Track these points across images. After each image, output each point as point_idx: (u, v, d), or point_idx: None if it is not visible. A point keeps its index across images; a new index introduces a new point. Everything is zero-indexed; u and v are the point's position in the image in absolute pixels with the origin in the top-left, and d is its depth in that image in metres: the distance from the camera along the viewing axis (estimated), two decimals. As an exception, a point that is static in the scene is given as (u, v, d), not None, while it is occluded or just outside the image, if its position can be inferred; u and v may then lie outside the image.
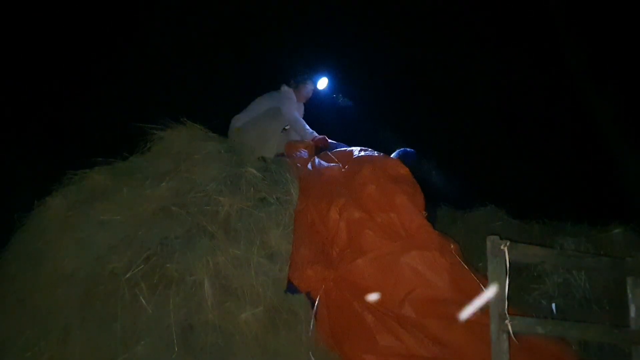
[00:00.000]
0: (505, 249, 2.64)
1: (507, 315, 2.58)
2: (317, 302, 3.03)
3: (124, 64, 7.22)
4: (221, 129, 4.09)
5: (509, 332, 2.57)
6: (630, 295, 2.98)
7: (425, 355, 2.71)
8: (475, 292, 2.82)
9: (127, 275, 2.99)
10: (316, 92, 4.58)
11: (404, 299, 2.84)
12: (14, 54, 6.98)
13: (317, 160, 3.83)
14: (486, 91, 8.41)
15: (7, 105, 6.75)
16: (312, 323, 3.01)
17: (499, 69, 8.17)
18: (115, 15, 7.51)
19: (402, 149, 3.99)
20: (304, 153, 4.01)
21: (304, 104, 4.63)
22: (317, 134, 4.21)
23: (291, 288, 3.12)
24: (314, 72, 4.43)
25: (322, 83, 4.47)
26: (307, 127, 4.24)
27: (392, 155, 3.95)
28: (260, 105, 4.36)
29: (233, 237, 3.22)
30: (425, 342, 2.75)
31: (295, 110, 4.30)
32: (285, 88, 4.36)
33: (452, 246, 3.05)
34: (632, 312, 2.96)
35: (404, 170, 3.47)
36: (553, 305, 3.62)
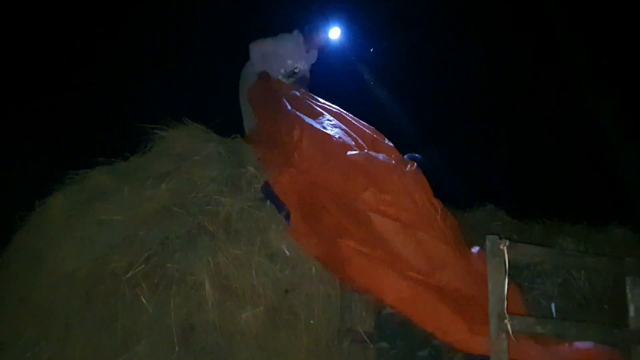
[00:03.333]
0: (505, 249, 2.64)
1: (507, 314, 2.59)
2: (286, 208, 3.34)
3: (125, 64, 7.23)
4: (222, 129, 4.10)
5: (508, 332, 2.57)
6: (629, 295, 2.99)
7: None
8: (429, 205, 3.21)
9: (128, 275, 2.99)
10: (329, 42, 4.60)
11: (357, 195, 3.20)
12: (14, 53, 6.98)
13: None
14: (486, 90, 8.42)
15: (8, 105, 6.75)
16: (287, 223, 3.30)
17: (499, 69, 8.18)
18: (116, 15, 7.51)
19: (408, 154, 4.05)
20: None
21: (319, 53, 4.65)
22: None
23: (267, 189, 3.44)
24: (326, 21, 4.47)
25: (335, 33, 4.50)
26: None
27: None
28: (271, 44, 4.42)
29: (233, 237, 3.22)
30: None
31: (287, 59, 4.36)
32: (295, 33, 4.39)
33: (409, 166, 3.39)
34: (632, 312, 2.97)
35: None
36: (552, 305, 3.63)
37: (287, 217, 3.34)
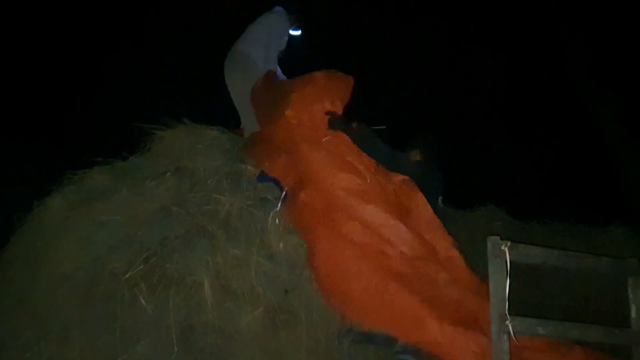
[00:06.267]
0: (506, 250, 2.63)
1: (508, 315, 2.58)
2: (285, 189, 3.37)
3: (124, 64, 7.23)
4: (222, 129, 4.08)
5: (509, 333, 2.56)
6: (631, 296, 2.98)
7: None
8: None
9: (127, 276, 2.98)
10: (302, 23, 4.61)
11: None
12: (14, 54, 6.98)
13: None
14: (486, 90, 8.41)
15: (8, 106, 6.75)
16: (279, 206, 3.33)
17: (499, 69, 8.18)
18: (116, 15, 7.51)
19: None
20: None
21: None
22: None
23: (261, 176, 3.48)
24: (302, 20, 4.51)
25: (295, 32, 4.53)
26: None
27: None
28: (256, 32, 4.37)
29: (233, 237, 3.21)
30: None
31: (278, 38, 4.35)
32: (278, 10, 4.39)
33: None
34: (633, 313, 2.96)
35: None
36: (554, 305, 3.63)
37: (285, 198, 3.35)
